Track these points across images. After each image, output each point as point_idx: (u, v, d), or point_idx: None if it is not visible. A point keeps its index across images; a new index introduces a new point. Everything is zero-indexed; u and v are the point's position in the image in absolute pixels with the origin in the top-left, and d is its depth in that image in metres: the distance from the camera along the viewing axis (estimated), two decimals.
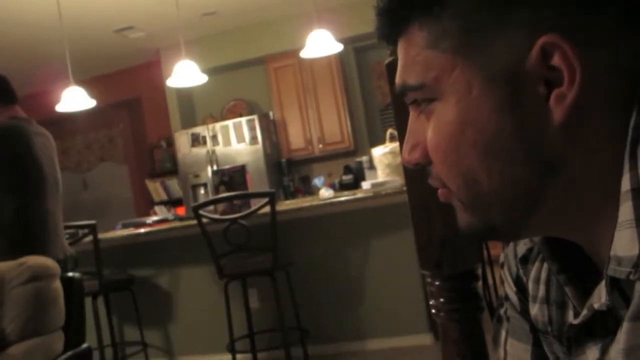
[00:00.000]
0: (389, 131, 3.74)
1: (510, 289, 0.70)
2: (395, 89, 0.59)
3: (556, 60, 0.48)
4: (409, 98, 0.58)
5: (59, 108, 4.30)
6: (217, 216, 3.42)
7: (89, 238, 3.57)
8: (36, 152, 2.49)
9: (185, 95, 6.60)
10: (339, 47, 4.25)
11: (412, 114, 0.59)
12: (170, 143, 6.58)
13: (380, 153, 3.67)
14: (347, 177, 5.82)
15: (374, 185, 3.53)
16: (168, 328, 4.00)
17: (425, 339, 3.52)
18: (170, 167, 6.75)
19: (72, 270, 2.93)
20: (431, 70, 0.53)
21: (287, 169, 6.19)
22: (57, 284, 2.41)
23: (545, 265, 0.62)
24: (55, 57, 5.67)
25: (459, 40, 0.52)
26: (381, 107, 6.46)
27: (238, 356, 3.51)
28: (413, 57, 0.55)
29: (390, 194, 3.38)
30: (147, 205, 6.85)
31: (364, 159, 5.08)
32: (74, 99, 4.36)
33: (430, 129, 0.55)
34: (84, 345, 2.54)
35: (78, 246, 3.57)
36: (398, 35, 0.57)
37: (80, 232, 3.62)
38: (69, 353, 2.41)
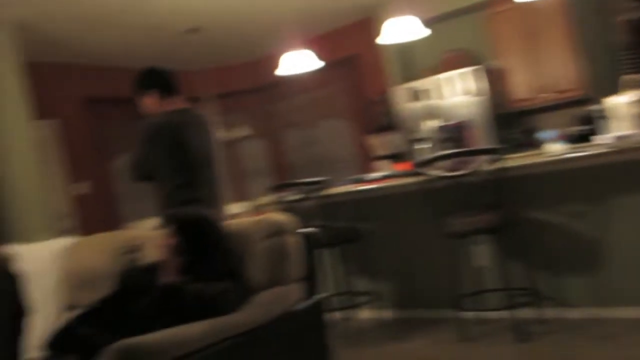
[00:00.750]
0: (628, 78, 3.34)
1: None
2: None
3: None
4: None
5: (290, 70, 4.57)
6: (442, 173, 3.38)
7: (321, 193, 3.79)
8: (185, 141, 3.06)
9: (403, 50, 6.56)
10: None
11: None
12: (389, 98, 6.65)
13: (620, 102, 3.30)
14: (579, 129, 5.36)
15: (615, 139, 3.19)
16: (395, 280, 4.11)
17: None
18: (389, 123, 6.84)
19: (307, 225, 3.17)
20: None
21: (511, 121, 5.89)
22: (294, 239, 2.59)
23: None
24: (278, 22, 6.04)
25: None
26: (617, 51, 5.77)
27: (463, 314, 3.50)
28: None
29: (637, 148, 3.03)
30: (368, 160, 7.05)
31: (598, 108, 4.61)
32: (300, 61, 4.61)
33: None
34: (320, 295, 2.72)
35: (312, 201, 3.82)
36: None
37: (313, 187, 3.85)
38: (307, 302, 2.60)
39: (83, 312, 2.40)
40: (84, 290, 2.75)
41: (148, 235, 2.82)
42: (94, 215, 6.35)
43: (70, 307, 2.77)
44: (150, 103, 3.21)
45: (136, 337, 1.98)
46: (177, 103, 3.21)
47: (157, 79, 3.22)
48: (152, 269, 2.46)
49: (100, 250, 2.95)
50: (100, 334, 2.09)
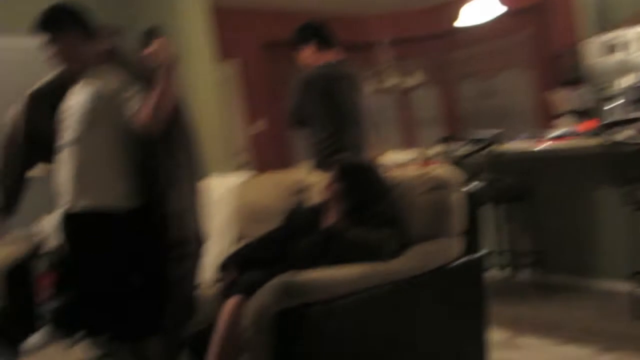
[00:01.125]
0: None
1: None
2: None
3: None
4: None
5: (471, 21, 4.37)
6: (630, 136, 3.06)
7: (493, 148, 3.66)
8: (335, 93, 3.20)
9: None
10: None
11: None
12: (580, 50, 6.11)
13: None
14: None
15: None
16: (563, 244, 3.89)
17: None
18: (577, 77, 6.31)
19: (474, 180, 3.12)
20: None
21: None
22: (457, 194, 2.53)
23: None
24: None
25: None
26: None
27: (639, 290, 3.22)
28: None
29: None
30: (548, 116, 6.62)
31: None
32: (481, 9, 4.40)
33: None
34: (481, 252, 2.65)
35: (482, 156, 3.69)
36: None
37: (484, 142, 3.72)
38: (466, 257, 2.55)
39: (251, 242, 2.59)
40: (254, 223, 2.94)
41: (315, 177, 2.92)
42: (268, 153, 6.71)
43: (241, 237, 2.99)
44: (308, 55, 3.35)
45: (296, 273, 2.09)
46: (332, 55, 3.31)
47: (315, 32, 3.34)
48: (316, 211, 2.56)
49: (272, 188, 3.13)
50: (263, 267, 2.24)
